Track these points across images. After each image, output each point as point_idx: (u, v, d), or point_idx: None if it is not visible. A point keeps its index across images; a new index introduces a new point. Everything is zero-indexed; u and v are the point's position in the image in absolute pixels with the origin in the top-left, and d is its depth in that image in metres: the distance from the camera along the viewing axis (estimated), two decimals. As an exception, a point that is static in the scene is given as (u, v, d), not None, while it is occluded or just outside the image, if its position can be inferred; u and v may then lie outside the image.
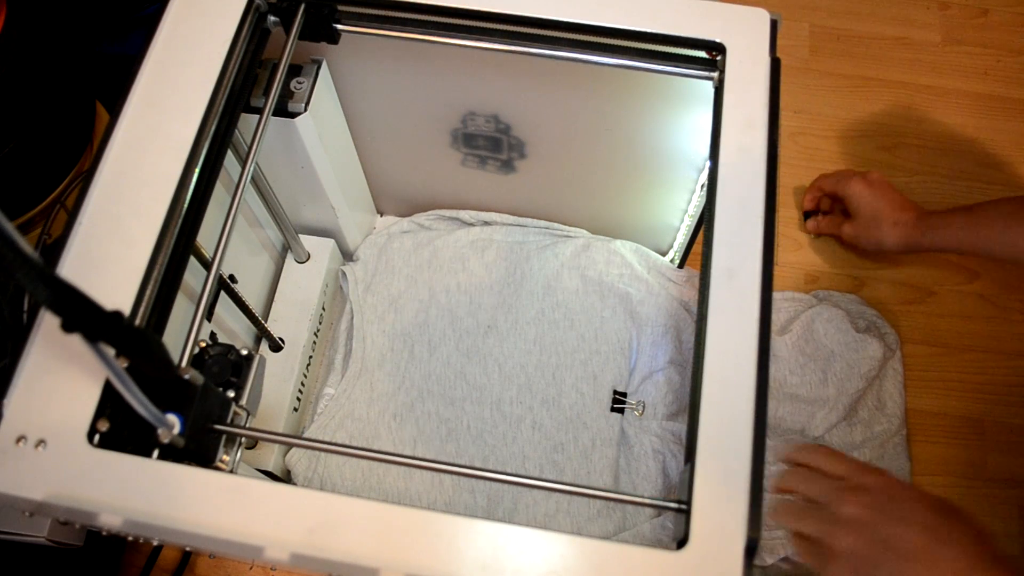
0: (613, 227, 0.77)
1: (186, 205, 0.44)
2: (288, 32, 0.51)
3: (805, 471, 0.48)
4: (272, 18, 0.51)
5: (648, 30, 0.48)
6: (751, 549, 0.36)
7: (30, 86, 0.64)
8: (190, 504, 0.37)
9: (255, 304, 0.68)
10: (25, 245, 0.27)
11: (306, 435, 0.70)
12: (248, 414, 0.44)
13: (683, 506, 0.38)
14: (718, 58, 0.48)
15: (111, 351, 0.31)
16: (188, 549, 0.68)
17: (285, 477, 0.68)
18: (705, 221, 0.45)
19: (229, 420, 0.42)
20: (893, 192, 0.75)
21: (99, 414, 0.38)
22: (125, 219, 0.42)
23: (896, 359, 0.75)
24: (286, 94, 0.57)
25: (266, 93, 0.51)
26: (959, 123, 0.88)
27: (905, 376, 0.74)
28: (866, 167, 0.86)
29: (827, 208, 0.81)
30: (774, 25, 0.48)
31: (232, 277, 0.65)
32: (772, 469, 0.57)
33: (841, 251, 0.82)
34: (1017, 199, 0.66)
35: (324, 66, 0.59)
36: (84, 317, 0.28)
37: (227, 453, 0.42)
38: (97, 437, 0.38)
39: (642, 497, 0.41)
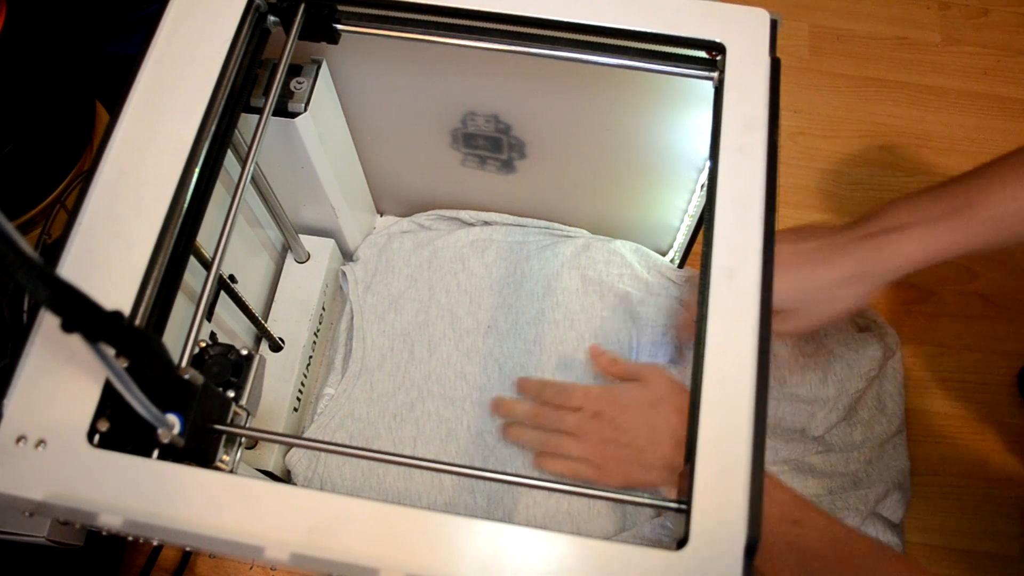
0: (613, 227, 0.77)
1: (186, 205, 0.44)
2: (288, 32, 0.51)
3: (549, 410, 0.64)
4: (272, 18, 0.51)
5: (648, 30, 0.48)
6: (751, 549, 0.36)
7: (30, 86, 0.64)
8: (190, 504, 0.37)
9: (255, 304, 0.68)
10: (25, 245, 0.27)
11: (306, 435, 0.70)
12: (248, 414, 0.44)
13: (683, 506, 0.38)
14: (718, 58, 0.48)
15: (111, 351, 0.31)
16: (188, 549, 0.68)
17: (285, 477, 0.68)
18: (705, 221, 0.45)
19: (229, 420, 0.42)
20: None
21: (99, 414, 0.38)
22: (125, 219, 0.42)
23: (896, 359, 0.75)
24: (286, 94, 0.57)
25: (266, 93, 0.51)
26: (959, 123, 0.88)
27: (905, 376, 0.74)
28: (866, 167, 0.86)
29: None
30: (774, 25, 0.48)
31: (232, 277, 0.65)
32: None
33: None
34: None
35: (324, 66, 0.59)
36: (84, 317, 0.28)
37: (227, 453, 0.42)
38: (97, 437, 0.38)
39: (642, 497, 0.41)
